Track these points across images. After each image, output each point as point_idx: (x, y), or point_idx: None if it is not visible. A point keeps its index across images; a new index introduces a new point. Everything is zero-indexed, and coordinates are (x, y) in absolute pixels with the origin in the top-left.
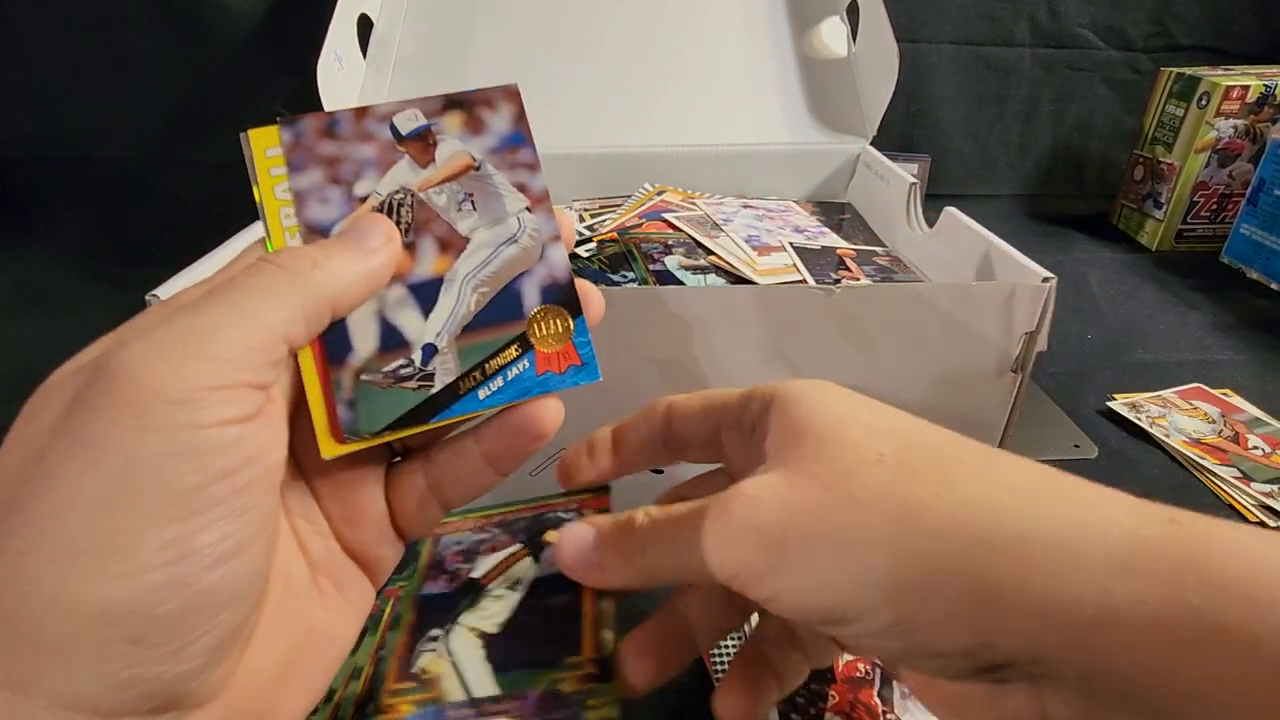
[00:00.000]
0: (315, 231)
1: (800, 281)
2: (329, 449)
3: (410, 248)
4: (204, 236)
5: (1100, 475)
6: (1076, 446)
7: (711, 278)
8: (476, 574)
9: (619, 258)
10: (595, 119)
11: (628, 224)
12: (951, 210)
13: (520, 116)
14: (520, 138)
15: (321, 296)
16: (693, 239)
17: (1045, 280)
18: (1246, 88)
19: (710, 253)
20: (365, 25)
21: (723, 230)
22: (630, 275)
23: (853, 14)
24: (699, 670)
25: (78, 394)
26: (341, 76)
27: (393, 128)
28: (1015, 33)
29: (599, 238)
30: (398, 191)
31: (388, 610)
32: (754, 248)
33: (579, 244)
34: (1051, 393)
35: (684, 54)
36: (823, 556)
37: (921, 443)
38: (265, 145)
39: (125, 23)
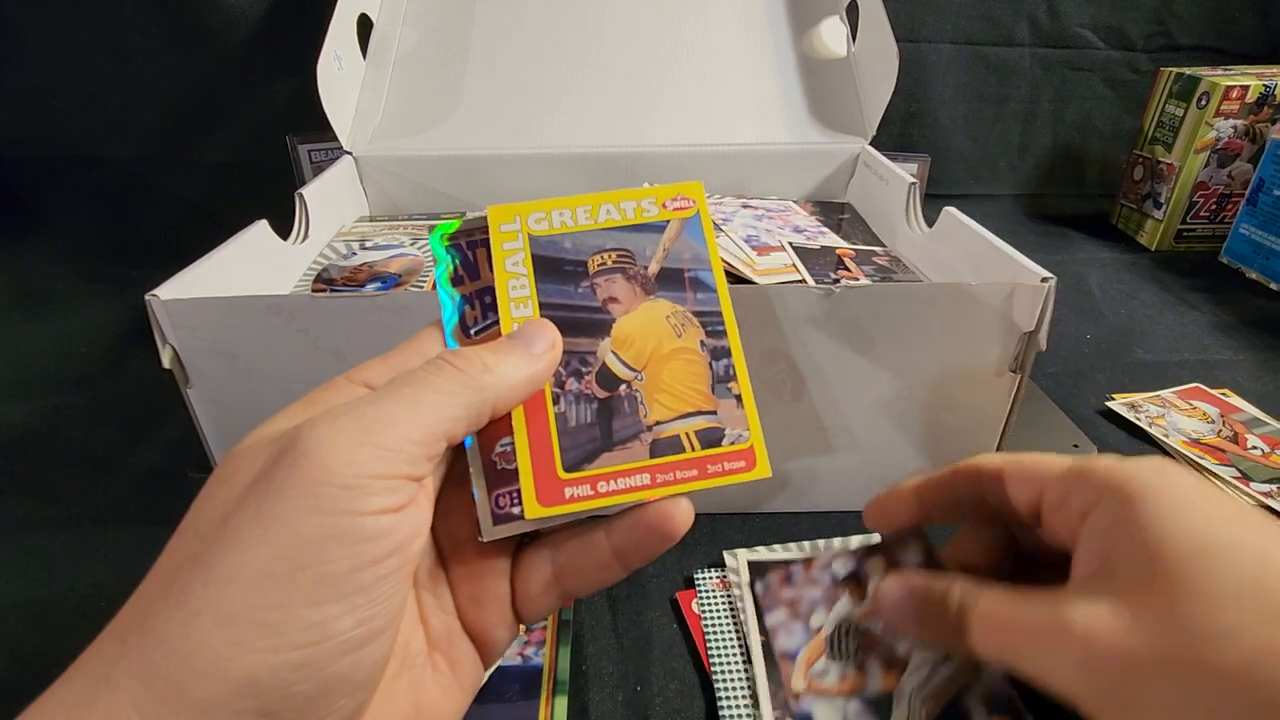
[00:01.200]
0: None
1: (800, 281)
2: (533, 510)
3: (861, 668)
4: (204, 236)
5: None
6: (1075, 446)
7: None
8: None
9: None
10: (595, 119)
11: None
12: (951, 210)
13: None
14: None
15: (486, 399)
16: None
17: (1045, 280)
18: (1246, 88)
19: None
20: (365, 25)
21: (722, 230)
22: None
23: (852, 14)
24: (699, 670)
25: (267, 464)
26: (341, 76)
27: (830, 572)
28: (1015, 33)
29: None
30: (843, 623)
31: None
32: (753, 247)
33: None
34: (1051, 393)
35: (684, 54)
36: (1163, 712)
37: None
38: (500, 221)
39: (125, 23)
